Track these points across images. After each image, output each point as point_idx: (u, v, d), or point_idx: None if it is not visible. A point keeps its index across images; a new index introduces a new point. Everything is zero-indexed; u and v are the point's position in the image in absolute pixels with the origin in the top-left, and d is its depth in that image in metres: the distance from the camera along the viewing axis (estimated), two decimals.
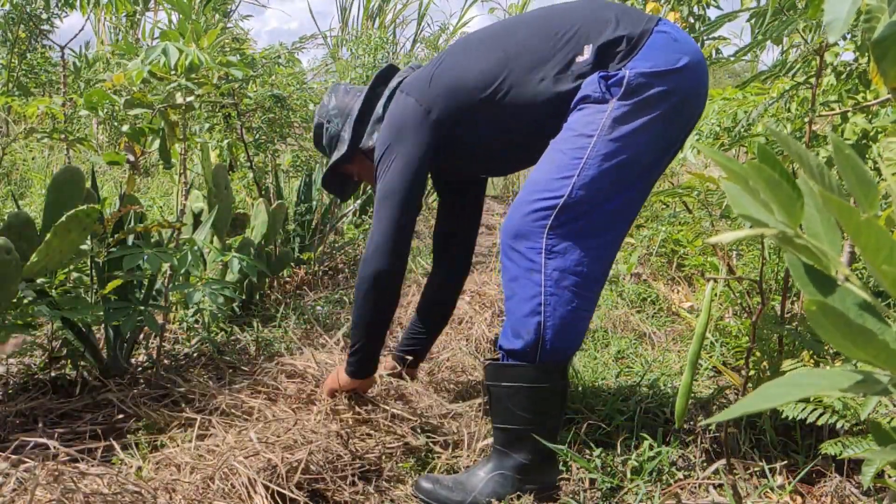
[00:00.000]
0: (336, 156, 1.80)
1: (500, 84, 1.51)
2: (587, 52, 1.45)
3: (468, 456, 1.66)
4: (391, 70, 1.81)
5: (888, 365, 0.43)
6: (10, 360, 1.93)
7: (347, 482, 1.47)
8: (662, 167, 1.51)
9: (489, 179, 3.53)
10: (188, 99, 1.84)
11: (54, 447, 1.32)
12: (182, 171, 1.94)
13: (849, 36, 1.70)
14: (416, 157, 1.58)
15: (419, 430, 1.74)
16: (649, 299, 2.97)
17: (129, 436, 1.61)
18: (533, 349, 1.42)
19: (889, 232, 0.40)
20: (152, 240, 1.93)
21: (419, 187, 1.60)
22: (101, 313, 1.77)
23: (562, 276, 1.40)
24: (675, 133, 1.47)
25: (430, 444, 1.71)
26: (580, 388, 1.98)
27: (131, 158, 2.01)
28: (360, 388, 1.75)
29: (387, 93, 1.75)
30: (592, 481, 1.51)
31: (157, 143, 1.97)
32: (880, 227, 0.39)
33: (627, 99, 1.39)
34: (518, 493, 1.47)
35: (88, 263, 1.88)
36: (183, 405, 1.79)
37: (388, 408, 1.77)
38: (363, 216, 4.41)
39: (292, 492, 1.35)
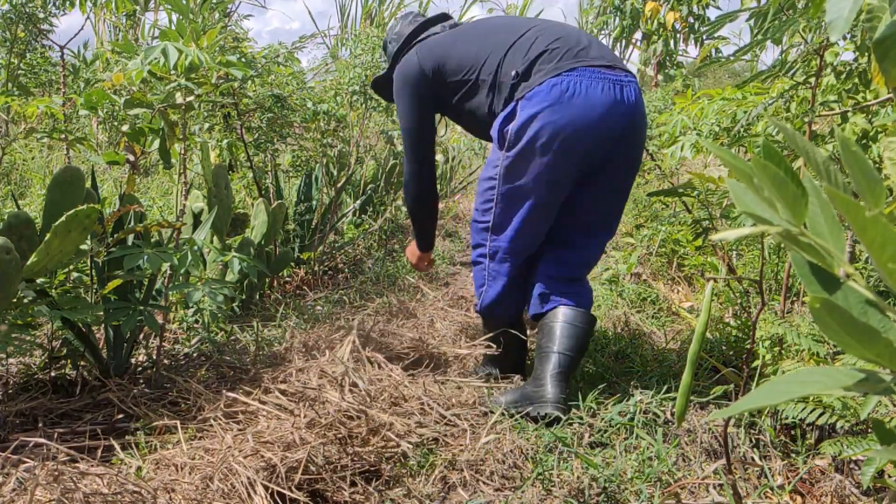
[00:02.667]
0: (382, 73, 2.27)
1: (466, 76, 1.96)
2: (512, 72, 1.86)
3: (468, 454, 1.65)
4: (444, 17, 2.22)
5: (892, 363, 0.43)
6: (10, 360, 1.93)
7: (347, 482, 1.46)
8: (568, 183, 1.89)
9: None
10: (188, 99, 1.83)
11: (54, 447, 1.32)
12: (182, 171, 1.94)
13: (849, 36, 1.70)
14: (416, 104, 2.07)
15: (419, 431, 1.73)
16: (649, 299, 2.97)
17: (128, 436, 1.61)
18: (479, 304, 2.12)
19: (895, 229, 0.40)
20: (152, 240, 1.93)
21: (427, 125, 2.11)
22: (101, 313, 1.77)
23: (495, 264, 2.06)
24: (567, 167, 1.84)
25: (430, 444, 1.71)
26: (580, 389, 1.97)
27: (131, 158, 2.01)
28: (421, 259, 2.43)
29: (415, 40, 2.15)
30: (592, 481, 1.51)
31: (157, 143, 1.97)
32: (887, 224, 0.39)
33: (509, 151, 1.86)
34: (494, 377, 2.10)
35: (88, 263, 1.88)
36: (182, 405, 1.78)
37: (387, 408, 1.77)
38: (363, 216, 4.40)
39: (292, 492, 1.35)
